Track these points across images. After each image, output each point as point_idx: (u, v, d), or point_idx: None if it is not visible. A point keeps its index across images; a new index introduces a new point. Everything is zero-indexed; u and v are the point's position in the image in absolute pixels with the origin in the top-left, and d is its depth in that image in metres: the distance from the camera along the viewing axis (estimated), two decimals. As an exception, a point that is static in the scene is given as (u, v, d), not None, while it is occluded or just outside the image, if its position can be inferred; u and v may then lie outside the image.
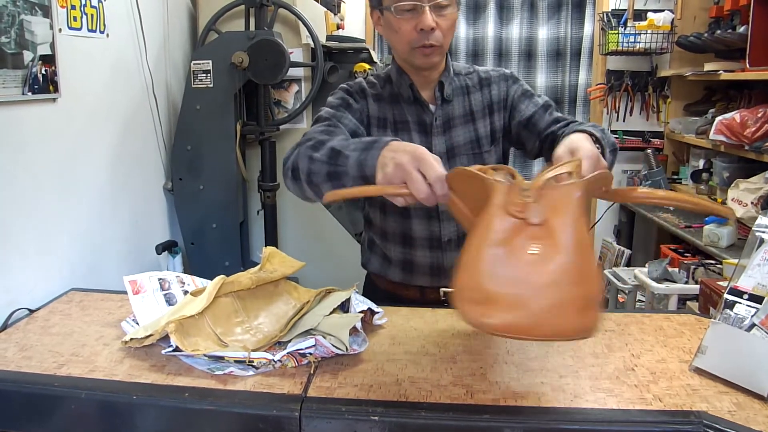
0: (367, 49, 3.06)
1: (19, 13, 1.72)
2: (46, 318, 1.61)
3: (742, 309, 1.22)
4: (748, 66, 3.09)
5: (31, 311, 1.66)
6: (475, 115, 1.65)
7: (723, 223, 2.91)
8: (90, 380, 1.27)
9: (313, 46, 2.80)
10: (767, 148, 2.87)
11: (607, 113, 4.39)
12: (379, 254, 1.76)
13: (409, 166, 1.08)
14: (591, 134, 1.26)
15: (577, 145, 1.13)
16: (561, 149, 1.16)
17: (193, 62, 2.63)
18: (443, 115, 1.63)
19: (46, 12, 1.83)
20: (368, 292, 1.85)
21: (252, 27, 2.76)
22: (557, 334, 0.91)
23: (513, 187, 0.95)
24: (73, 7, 1.99)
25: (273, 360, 1.28)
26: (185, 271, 2.65)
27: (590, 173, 1.03)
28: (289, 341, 1.34)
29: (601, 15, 4.23)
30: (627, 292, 3.27)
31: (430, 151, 1.54)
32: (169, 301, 1.55)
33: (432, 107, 1.63)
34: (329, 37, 3.22)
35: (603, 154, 1.24)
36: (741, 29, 3.27)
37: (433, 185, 1.08)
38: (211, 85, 2.63)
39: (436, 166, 1.09)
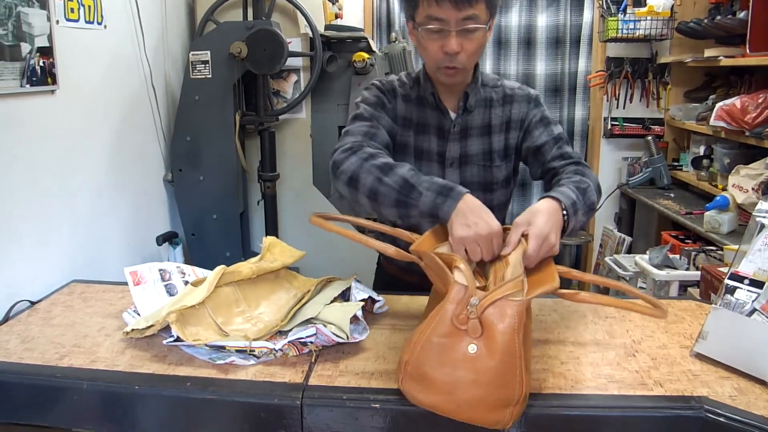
0: (366, 39, 3.05)
1: (16, 5, 1.72)
2: (47, 310, 1.61)
3: (743, 294, 1.22)
4: (748, 51, 3.08)
5: (33, 303, 1.66)
6: (492, 129, 1.65)
7: (724, 209, 2.91)
8: (92, 371, 1.27)
9: (311, 35, 2.79)
10: (768, 133, 2.86)
11: (607, 100, 4.37)
12: (389, 241, 1.78)
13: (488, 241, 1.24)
14: (560, 201, 1.33)
15: (534, 220, 1.26)
16: (521, 218, 1.28)
17: (192, 53, 2.63)
18: (462, 123, 1.64)
19: (43, 4, 1.83)
20: (378, 275, 1.92)
21: (250, 17, 2.75)
22: (473, 421, 1.07)
23: (463, 299, 1.08)
24: (71, -1, 1.98)
25: (274, 349, 1.29)
26: (186, 262, 2.65)
27: (534, 251, 1.21)
28: (290, 330, 1.35)
29: (601, 1, 4.20)
30: (628, 279, 3.27)
31: (444, 156, 1.62)
32: (170, 291, 1.55)
33: (453, 115, 1.64)
34: (328, 27, 3.21)
35: (572, 218, 1.33)
36: (741, 15, 3.25)
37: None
38: (210, 76, 2.62)
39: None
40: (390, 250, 1.29)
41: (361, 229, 2.19)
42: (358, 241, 1.33)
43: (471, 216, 1.25)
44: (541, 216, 1.27)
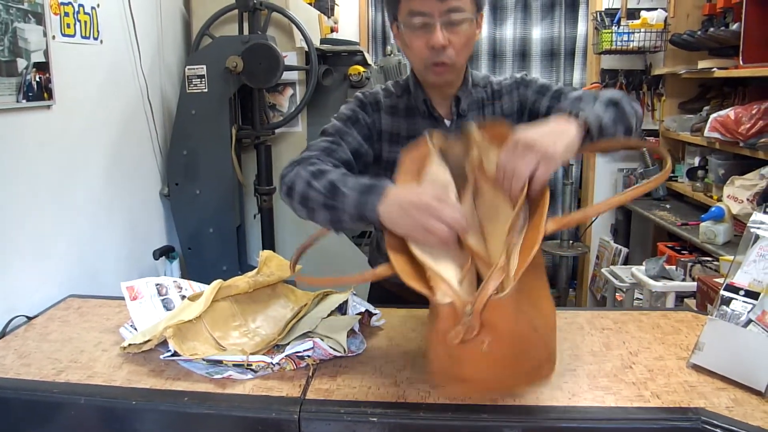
0: (362, 52, 3.06)
1: (12, 20, 1.72)
2: (44, 325, 1.61)
3: (739, 305, 1.23)
4: (741, 63, 3.10)
5: (30, 318, 1.66)
6: None
7: (719, 220, 2.92)
8: (89, 386, 1.27)
9: (307, 49, 2.81)
10: (762, 144, 2.87)
11: (602, 112, 4.39)
12: (385, 256, 1.75)
13: (424, 214, 1.12)
14: (559, 110, 1.23)
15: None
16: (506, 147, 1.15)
17: (188, 67, 2.64)
18: (457, 130, 1.56)
19: (40, 19, 1.83)
20: (374, 290, 1.86)
21: (246, 31, 2.76)
22: (520, 389, 1.16)
23: (457, 314, 1.02)
24: (67, 14, 1.99)
25: (271, 363, 1.29)
26: (183, 276, 2.65)
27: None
28: (287, 344, 1.35)
29: (595, 14, 4.24)
30: (625, 290, 3.28)
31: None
32: (167, 306, 1.55)
33: (447, 122, 1.59)
34: (323, 40, 3.23)
35: (584, 112, 1.21)
36: (734, 27, 3.27)
37: (452, 225, 1.11)
38: (206, 90, 2.63)
39: (448, 209, 1.12)
40: (366, 275, 1.26)
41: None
42: (346, 283, 1.34)
43: (396, 204, 1.15)
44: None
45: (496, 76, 1.67)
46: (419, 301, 1.37)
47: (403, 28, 1.46)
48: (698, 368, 1.28)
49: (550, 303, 1.18)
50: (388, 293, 1.77)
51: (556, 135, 1.15)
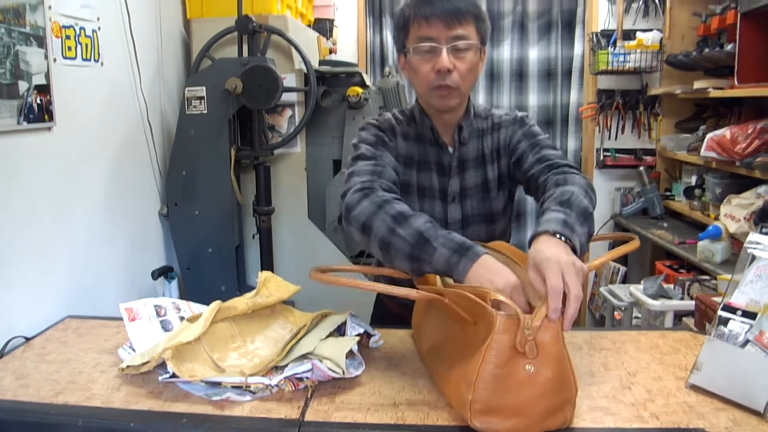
0: (360, 73, 3.08)
1: (14, 43, 1.74)
2: (42, 345, 1.61)
3: (736, 325, 1.23)
4: (736, 83, 3.12)
5: (28, 339, 1.66)
6: (486, 159, 1.67)
7: (716, 239, 2.92)
8: (87, 408, 1.26)
9: (306, 71, 2.83)
10: (758, 163, 2.88)
11: (599, 132, 4.41)
12: (387, 277, 1.76)
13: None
14: (547, 231, 1.27)
15: (545, 267, 1.17)
16: (531, 273, 1.20)
17: (187, 89, 2.65)
18: (459, 156, 1.65)
19: (41, 42, 1.85)
20: (377, 311, 1.89)
21: (245, 53, 2.78)
22: (546, 428, 1.12)
23: (518, 326, 1.09)
24: (68, 37, 2.01)
25: (270, 385, 1.29)
26: (181, 296, 2.65)
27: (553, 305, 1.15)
28: (286, 365, 1.34)
29: (591, 35, 4.27)
30: (623, 309, 3.27)
31: (446, 192, 1.63)
32: (166, 327, 1.55)
33: (450, 149, 1.65)
34: (322, 62, 3.25)
35: (573, 236, 1.27)
36: (729, 47, 3.30)
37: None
38: (206, 111, 2.64)
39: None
40: (413, 293, 1.24)
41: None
42: (374, 291, 1.33)
43: (487, 274, 1.23)
44: (549, 266, 1.18)
45: (498, 109, 1.74)
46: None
47: (411, 54, 1.53)
48: (697, 389, 1.28)
49: None
50: (392, 314, 1.78)
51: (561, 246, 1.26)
